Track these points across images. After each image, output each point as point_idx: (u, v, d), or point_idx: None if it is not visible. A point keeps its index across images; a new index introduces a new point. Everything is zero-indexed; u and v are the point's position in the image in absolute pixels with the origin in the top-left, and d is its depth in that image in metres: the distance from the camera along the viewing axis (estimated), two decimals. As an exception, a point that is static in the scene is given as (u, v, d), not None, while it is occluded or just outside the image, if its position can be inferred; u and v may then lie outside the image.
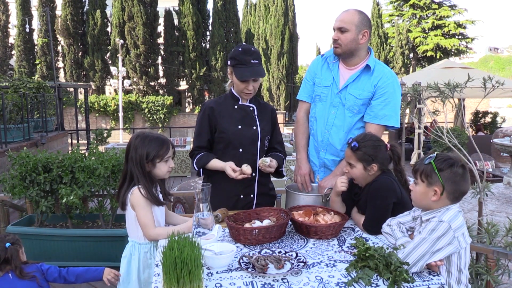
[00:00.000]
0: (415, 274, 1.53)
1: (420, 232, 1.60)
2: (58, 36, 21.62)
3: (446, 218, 1.55)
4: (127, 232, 2.05)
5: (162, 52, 22.11)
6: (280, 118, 22.30)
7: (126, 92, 22.25)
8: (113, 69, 19.97)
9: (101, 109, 21.25)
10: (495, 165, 7.36)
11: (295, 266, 1.55)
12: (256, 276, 1.50)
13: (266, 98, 25.51)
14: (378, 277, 1.47)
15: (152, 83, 22.13)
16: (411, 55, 25.59)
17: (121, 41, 19.62)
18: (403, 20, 25.75)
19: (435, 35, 24.36)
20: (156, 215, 1.99)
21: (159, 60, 22.13)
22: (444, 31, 24.42)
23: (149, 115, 21.61)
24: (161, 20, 21.68)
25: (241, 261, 1.57)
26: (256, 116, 2.35)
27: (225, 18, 22.66)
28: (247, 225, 1.91)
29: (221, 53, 21.96)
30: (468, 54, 26.17)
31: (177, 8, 22.04)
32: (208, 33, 22.81)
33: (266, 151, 2.45)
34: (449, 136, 2.60)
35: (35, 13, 21.68)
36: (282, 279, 1.48)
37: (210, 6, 22.86)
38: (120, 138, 17.99)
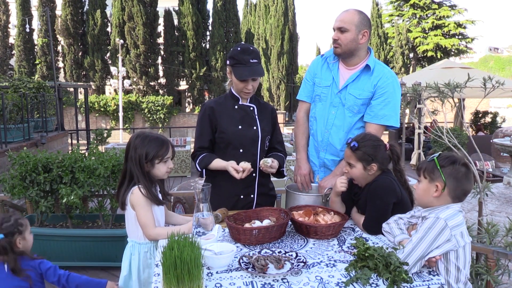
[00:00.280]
0: (414, 274, 1.53)
1: (417, 231, 1.61)
2: (58, 36, 21.61)
3: (443, 216, 1.57)
4: (127, 232, 2.05)
5: (162, 52, 22.11)
6: (280, 118, 22.30)
7: (126, 92, 22.25)
8: (113, 69, 19.97)
9: (101, 109, 21.25)
10: (495, 165, 7.36)
11: (295, 266, 1.55)
12: (256, 276, 1.50)
13: (266, 98, 25.51)
14: (378, 277, 1.47)
15: (152, 83, 22.13)
16: (411, 55, 25.59)
17: (121, 41, 19.62)
18: (403, 20, 25.74)
19: (435, 35, 24.36)
20: (156, 215, 1.99)
21: (159, 60, 22.13)
22: (444, 31, 24.42)
23: (149, 115, 21.61)
24: (160, 20, 21.68)
25: (241, 261, 1.57)
26: (256, 116, 2.35)
27: (225, 18, 22.66)
28: (247, 225, 1.91)
29: (221, 53, 21.95)
30: (468, 54, 26.17)
31: (177, 8, 22.04)
32: (208, 33, 22.81)
33: (267, 151, 2.45)
34: (449, 136, 2.60)
35: (35, 13, 21.67)
36: (282, 279, 1.48)
37: (210, 6, 22.89)
38: (120, 138, 17.98)
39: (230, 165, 2.21)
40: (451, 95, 2.57)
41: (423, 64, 25.41)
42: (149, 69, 21.54)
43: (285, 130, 17.67)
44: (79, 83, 19.93)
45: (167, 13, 21.85)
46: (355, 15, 2.29)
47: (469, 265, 1.67)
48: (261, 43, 26.04)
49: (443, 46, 24.13)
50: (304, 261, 1.57)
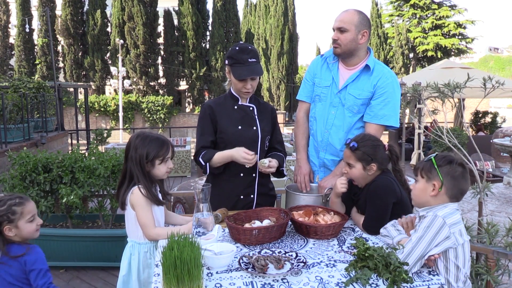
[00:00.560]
0: (414, 274, 1.54)
1: (416, 230, 1.61)
2: (58, 36, 21.62)
3: (441, 214, 1.58)
4: (127, 232, 2.05)
5: (162, 52, 22.11)
6: (280, 118, 22.30)
7: (126, 92, 22.26)
8: (113, 69, 19.98)
9: (101, 109, 21.25)
10: (495, 165, 7.36)
11: (295, 266, 1.55)
12: (256, 276, 1.50)
13: (266, 98, 25.52)
14: (378, 277, 1.48)
15: (152, 83, 22.14)
16: (411, 55, 25.59)
17: (121, 41, 19.63)
18: (403, 20, 25.75)
19: (435, 35, 24.36)
20: (156, 215, 1.99)
21: (159, 60, 22.14)
22: (444, 31, 24.42)
23: (149, 115, 21.62)
24: (160, 20, 21.69)
25: (241, 261, 1.57)
26: (256, 116, 2.35)
27: (225, 18, 22.66)
28: (247, 225, 1.91)
29: (221, 53, 21.96)
30: (468, 54, 26.17)
31: (176, 8, 22.04)
32: (208, 33, 22.82)
33: (267, 151, 2.45)
34: (449, 136, 2.60)
35: (35, 13, 21.68)
36: (282, 279, 1.48)
37: (210, 6, 22.90)
38: (120, 138, 17.99)
39: (240, 154, 2.14)
40: (451, 95, 2.57)
41: (423, 64, 25.41)
42: (149, 69, 21.54)
43: (285, 130, 17.67)
44: (79, 83, 19.93)
45: (167, 13, 21.86)
46: (354, 15, 2.29)
47: (469, 264, 1.67)
48: (261, 43, 26.04)
49: (443, 46, 24.13)
50: (304, 261, 1.57)
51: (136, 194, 1.92)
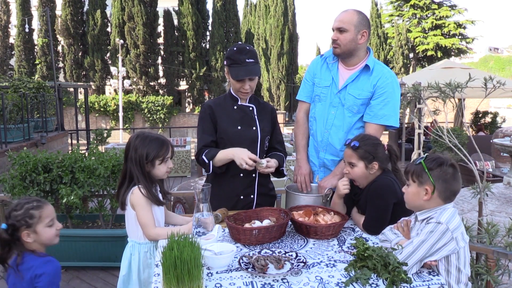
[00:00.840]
0: (414, 274, 1.53)
1: (418, 234, 1.61)
2: (58, 36, 21.62)
3: (444, 219, 1.56)
4: (127, 232, 2.05)
5: (162, 52, 22.11)
6: (280, 118, 22.30)
7: (126, 92, 22.26)
8: (113, 69, 19.98)
9: (101, 109, 21.26)
10: (495, 165, 7.36)
11: (295, 266, 1.55)
12: (256, 276, 1.50)
13: (266, 98, 25.52)
14: (378, 277, 1.47)
15: (152, 83, 22.14)
16: (411, 55, 25.59)
17: (121, 41, 19.63)
18: (403, 20, 25.75)
19: (435, 35, 24.36)
20: (156, 215, 1.99)
21: (159, 60, 22.14)
22: (444, 31, 24.42)
23: (149, 115, 21.62)
24: (160, 20, 21.69)
25: (241, 261, 1.57)
26: (256, 116, 2.35)
27: (225, 18, 22.67)
28: (247, 225, 1.91)
29: (221, 53, 21.96)
30: (468, 54, 26.17)
31: (176, 8, 22.04)
32: (208, 33, 22.82)
33: (267, 151, 2.45)
34: (449, 136, 2.60)
35: (35, 13, 21.68)
36: (282, 279, 1.48)
37: (210, 6, 22.91)
38: (120, 138, 17.99)
39: (243, 154, 2.12)
40: (452, 95, 2.57)
41: (423, 64, 25.41)
42: (149, 69, 21.54)
43: (285, 130, 17.67)
44: (79, 83, 19.94)
45: (167, 13, 21.86)
46: (354, 15, 2.29)
47: (469, 264, 1.67)
48: (261, 43, 26.04)
49: (443, 46, 24.14)
50: (304, 261, 1.57)
51: (136, 194, 1.92)
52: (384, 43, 25.84)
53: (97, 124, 21.15)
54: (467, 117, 14.56)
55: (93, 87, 21.79)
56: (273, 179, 2.54)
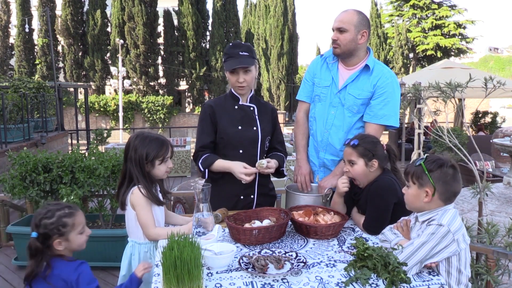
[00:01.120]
0: (414, 274, 1.53)
1: (419, 235, 1.61)
2: (58, 36, 21.62)
3: (445, 221, 1.56)
4: (127, 232, 2.05)
5: (162, 52, 22.11)
6: (280, 118, 22.29)
7: (126, 92, 22.26)
8: (113, 69, 19.98)
9: (101, 109, 21.25)
10: (495, 165, 7.35)
11: (295, 266, 1.55)
12: (256, 276, 1.50)
13: (266, 98, 25.52)
14: (378, 277, 1.47)
15: (152, 83, 22.14)
16: (411, 55, 25.59)
17: (121, 41, 19.62)
18: (403, 20, 25.75)
19: (435, 35, 24.36)
20: (156, 215, 1.99)
21: (159, 60, 22.14)
22: (444, 31, 24.42)
23: (149, 115, 21.62)
24: (160, 20, 21.69)
25: (241, 261, 1.57)
26: (257, 116, 2.35)
27: (225, 18, 22.67)
28: (247, 225, 1.91)
29: (221, 53, 21.94)
30: (468, 54, 26.17)
31: (176, 8, 22.04)
32: (208, 33, 22.82)
33: (267, 151, 2.45)
34: (449, 136, 2.60)
35: (35, 13, 21.68)
36: (282, 279, 1.48)
37: (210, 6, 22.92)
38: (120, 138, 17.99)
39: (239, 169, 2.17)
40: (452, 95, 2.57)
41: (423, 64, 25.41)
42: (149, 69, 21.54)
43: (285, 130, 17.66)
44: (79, 83, 19.94)
45: (167, 13, 21.86)
46: (354, 16, 2.29)
47: (469, 264, 1.67)
48: (261, 43, 26.04)
49: (443, 46, 24.13)
50: (304, 261, 1.57)
51: (136, 194, 1.92)
52: (384, 43, 25.83)
53: (97, 124, 21.15)
54: (467, 117, 14.56)
55: (93, 87, 21.79)
56: (273, 179, 2.54)
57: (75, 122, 13.86)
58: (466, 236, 1.61)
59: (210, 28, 22.62)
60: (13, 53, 22.14)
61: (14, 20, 21.78)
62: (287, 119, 24.74)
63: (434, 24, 24.57)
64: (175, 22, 22.15)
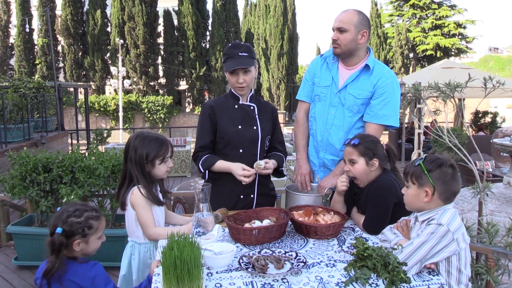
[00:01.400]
0: (414, 274, 1.53)
1: (418, 235, 1.61)
2: (58, 36, 21.62)
3: (445, 221, 1.56)
4: (127, 232, 2.05)
5: (162, 52, 22.11)
6: (280, 118, 22.26)
7: (126, 92, 22.26)
8: (113, 69, 19.98)
9: (101, 109, 21.25)
10: (495, 165, 7.35)
11: (295, 266, 1.55)
12: (256, 276, 1.50)
13: (266, 98, 25.52)
14: (378, 277, 1.47)
15: (152, 83, 22.14)
16: (411, 55, 25.59)
17: (121, 41, 19.63)
18: (403, 20, 25.75)
19: (435, 35, 24.36)
20: (156, 215, 1.99)
21: (159, 60, 22.14)
22: (444, 31, 24.42)
23: (149, 115, 21.62)
24: (160, 20, 21.69)
25: (241, 261, 1.57)
26: (257, 116, 2.35)
27: (224, 18, 22.66)
28: (247, 225, 1.91)
29: (221, 53, 21.94)
30: (468, 54, 26.17)
31: (176, 8, 22.04)
32: (208, 33, 22.81)
33: (267, 151, 2.45)
34: (449, 136, 2.60)
35: (35, 13, 21.68)
36: (282, 279, 1.48)
37: (210, 6, 22.89)
38: (120, 138, 17.99)
39: (238, 172, 2.19)
40: (452, 95, 2.57)
41: (423, 64, 25.41)
42: (149, 69, 21.54)
43: (285, 130, 17.66)
44: (79, 83, 19.93)
45: (167, 13, 21.85)
46: (354, 15, 2.29)
47: (469, 264, 1.67)
48: (261, 43, 26.03)
49: (443, 46, 24.13)
50: (304, 261, 1.57)
51: (136, 194, 1.92)
52: (384, 43, 25.83)
53: (97, 124, 21.15)
54: (467, 117, 14.56)
55: (93, 87, 21.79)
56: (273, 179, 2.54)
57: (75, 122, 13.86)
58: (466, 236, 1.61)
59: (210, 28, 22.61)
60: (13, 53, 22.14)
61: (14, 20, 21.78)
62: (287, 119, 24.74)
63: (434, 24, 24.57)
64: (175, 22, 22.15)
